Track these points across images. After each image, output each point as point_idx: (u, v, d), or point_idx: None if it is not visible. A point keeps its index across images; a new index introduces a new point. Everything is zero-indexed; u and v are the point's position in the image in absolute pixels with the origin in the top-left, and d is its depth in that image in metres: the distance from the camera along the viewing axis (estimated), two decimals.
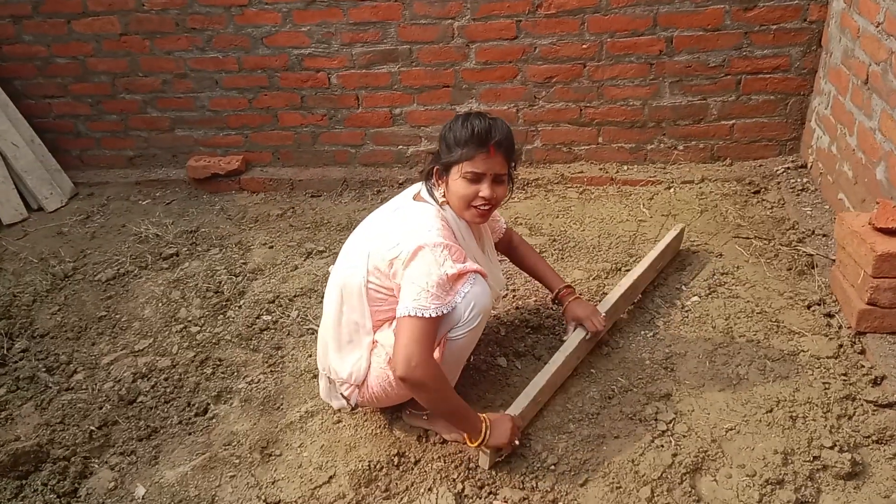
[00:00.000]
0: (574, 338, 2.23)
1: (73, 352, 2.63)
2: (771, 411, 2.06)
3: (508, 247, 2.39)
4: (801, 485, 1.83)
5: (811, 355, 2.25)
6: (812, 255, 2.73)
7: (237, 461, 2.09)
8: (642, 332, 2.45)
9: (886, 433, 1.95)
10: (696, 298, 2.59)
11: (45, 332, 2.75)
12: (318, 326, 2.18)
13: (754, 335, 2.37)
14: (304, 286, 2.89)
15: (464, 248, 1.94)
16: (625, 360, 2.33)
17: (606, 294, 2.46)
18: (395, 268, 1.83)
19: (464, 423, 1.87)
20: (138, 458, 2.14)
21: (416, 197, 2.02)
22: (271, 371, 2.45)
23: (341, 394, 2.03)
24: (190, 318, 2.75)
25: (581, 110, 3.49)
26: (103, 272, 3.12)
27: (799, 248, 2.80)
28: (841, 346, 2.27)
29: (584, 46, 3.33)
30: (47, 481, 2.04)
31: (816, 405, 2.06)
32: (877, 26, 2.55)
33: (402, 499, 1.91)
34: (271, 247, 3.24)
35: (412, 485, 1.94)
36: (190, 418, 2.26)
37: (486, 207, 1.92)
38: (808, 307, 2.47)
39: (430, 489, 1.91)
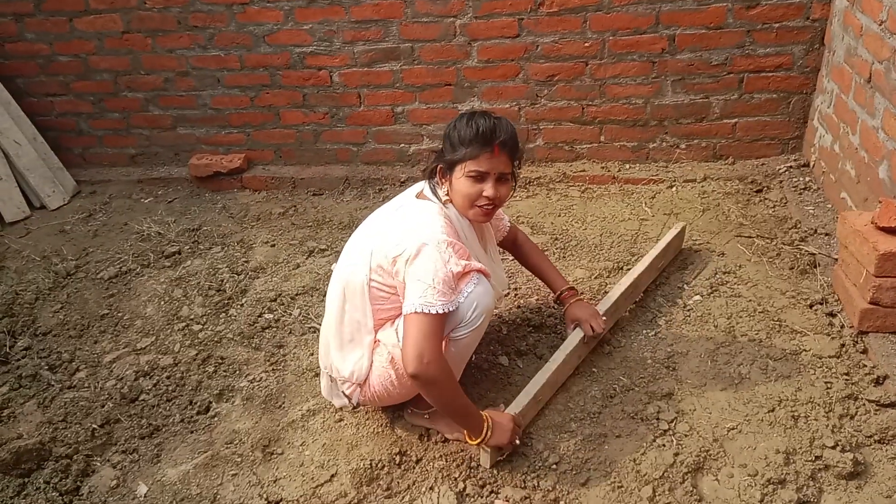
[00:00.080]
0: (574, 336, 2.23)
1: (76, 350, 2.63)
2: (773, 411, 2.06)
3: (513, 245, 2.39)
4: (803, 484, 1.82)
5: (813, 355, 2.25)
6: (814, 254, 2.73)
7: (239, 459, 2.09)
8: (644, 331, 2.45)
9: (888, 433, 1.94)
10: (697, 297, 2.59)
11: (48, 330, 2.76)
12: (320, 325, 2.18)
13: (756, 334, 2.37)
14: (306, 284, 2.89)
15: (466, 246, 1.94)
16: (626, 358, 2.33)
17: (608, 293, 2.46)
18: (399, 266, 1.83)
19: (467, 421, 1.87)
20: (140, 456, 2.14)
21: (420, 195, 2.02)
22: (273, 369, 2.45)
23: (343, 392, 2.03)
24: (192, 317, 2.75)
25: (583, 109, 3.49)
26: (105, 270, 3.12)
27: (801, 247, 2.80)
28: (843, 345, 2.27)
29: (586, 44, 3.33)
30: (49, 479, 2.05)
31: (818, 405, 2.05)
32: (880, 24, 2.54)
33: (403, 497, 1.91)
34: (273, 245, 3.25)
35: (414, 483, 1.94)
36: (192, 416, 2.27)
37: (490, 206, 1.92)
38: (811, 306, 2.47)
39: (431, 488, 1.92)
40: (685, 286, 2.66)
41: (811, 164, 3.31)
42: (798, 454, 1.91)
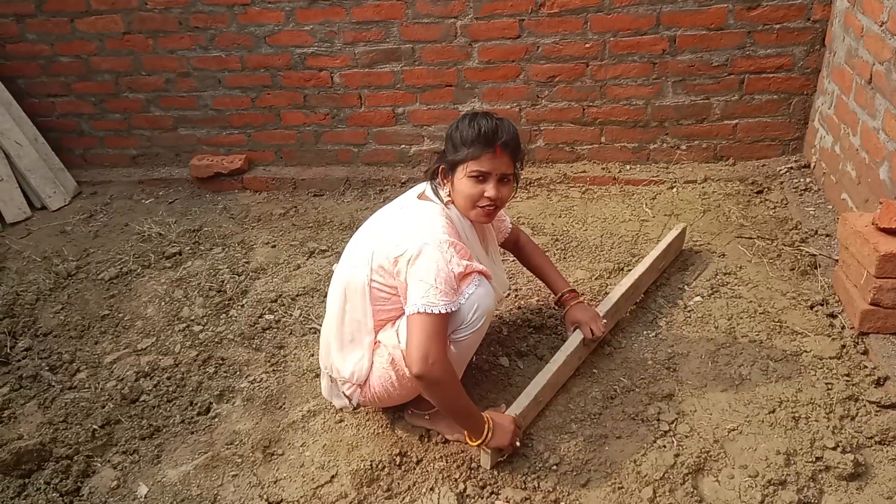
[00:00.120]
0: (575, 338, 2.23)
1: (76, 350, 2.63)
2: (773, 412, 2.06)
3: (514, 246, 2.39)
4: (804, 486, 1.82)
5: (814, 356, 2.25)
6: (815, 255, 2.73)
7: (239, 460, 2.09)
8: (644, 332, 2.45)
9: (889, 434, 1.94)
10: (698, 298, 2.59)
11: (49, 330, 2.76)
12: (321, 326, 2.18)
13: (757, 335, 2.37)
14: (307, 285, 2.89)
15: (468, 247, 1.94)
16: (627, 360, 2.33)
17: (609, 294, 2.46)
18: (400, 266, 1.83)
19: (468, 422, 1.87)
20: (141, 456, 2.14)
21: (421, 196, 2.02)
22: (273, 370, 2.45)
23: (343, 393, 2.03)
24: (192, 317, 2.75)
25: (584, 110, 3.49)
26: (106, 271, 3.13)
27: (802, 248, 2.80)
28: (844, 346, 2.26)
29: (586, 46, 3.33)
30: (50, 480, 2.05)
31: (819, 406, 2.05)
32: (881, 25, 2.54)
33: (403, 498, 1.91)
34: (274, 246, 3.25)
35: (414, 484, 1.94)
36: (192, 417, 2.27)
37: (492, 207, 1.92)
38: (811, 307, 2.46)
39: (431, 489, 1.91)
40: (686, 287, 2.66)
41: (812, 165, 3.31)
42: (799, 455, 1.91)
